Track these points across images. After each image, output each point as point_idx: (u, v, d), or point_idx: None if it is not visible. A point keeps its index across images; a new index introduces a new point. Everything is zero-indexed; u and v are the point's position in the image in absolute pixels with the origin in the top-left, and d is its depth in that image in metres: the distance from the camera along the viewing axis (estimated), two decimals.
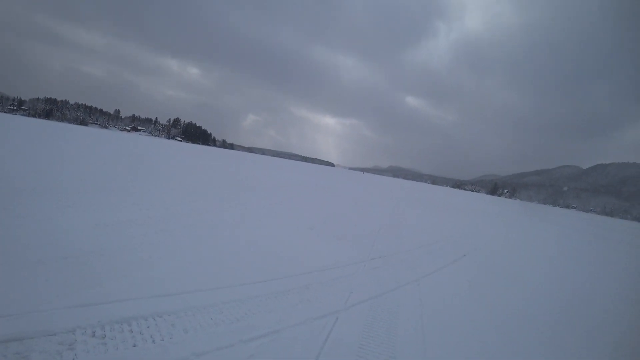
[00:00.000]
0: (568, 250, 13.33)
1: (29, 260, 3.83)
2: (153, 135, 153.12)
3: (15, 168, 9.52)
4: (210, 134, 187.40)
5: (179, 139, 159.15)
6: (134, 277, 3.85)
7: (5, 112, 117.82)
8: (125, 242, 4.93)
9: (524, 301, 5.57)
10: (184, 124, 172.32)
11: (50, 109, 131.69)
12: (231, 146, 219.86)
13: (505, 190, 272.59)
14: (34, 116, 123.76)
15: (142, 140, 63.15)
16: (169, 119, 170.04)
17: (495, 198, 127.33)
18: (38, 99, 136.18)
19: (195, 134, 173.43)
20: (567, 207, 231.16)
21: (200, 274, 4.26)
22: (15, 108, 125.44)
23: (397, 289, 5.02)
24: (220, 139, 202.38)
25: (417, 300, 4.67)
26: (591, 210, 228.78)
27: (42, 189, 7.37)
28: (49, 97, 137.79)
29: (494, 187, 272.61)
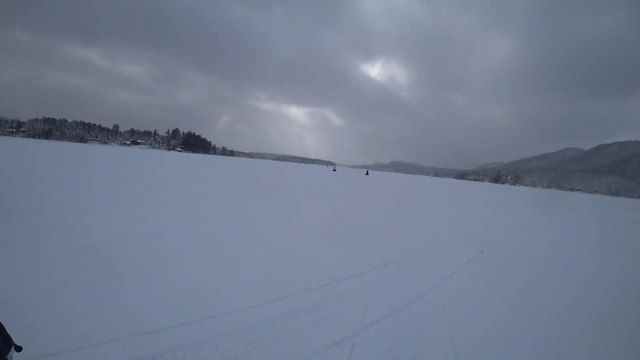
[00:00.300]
0: (590, 237, 12.70)
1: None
2: (153, 147, 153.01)
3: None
4: (210, 142, 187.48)
5: (179, 149, 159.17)
6: (112, 310, 3.31)
7: (5, 135, 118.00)
8: (106, 268, 4.40)
9: (557, 301, 4.99)
10: (182, 134, 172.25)
11: (50, 129, 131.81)
12: (231, 153, 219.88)
13: (509, 177, 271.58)
14: (33, 137, 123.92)
15: (142, 154, 62.75)
16: (168, 130, 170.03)
17: (499, 186, 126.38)
18: (37, 119, 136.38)
19: (195, 144, 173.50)
20: (572, 189, 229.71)
21: (191, 300, 3.70)
22: (14, 130, 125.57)
23: (417, 299, 4.46)
24: (220, 147, 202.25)
25: (442, 312, 4.11)
26: (596, 191, 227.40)
27: (22, 214, 6.86)
28: (47, 117, 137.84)
29: (497, 175, 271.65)
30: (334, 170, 75.85)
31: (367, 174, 72.76)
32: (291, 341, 3.11)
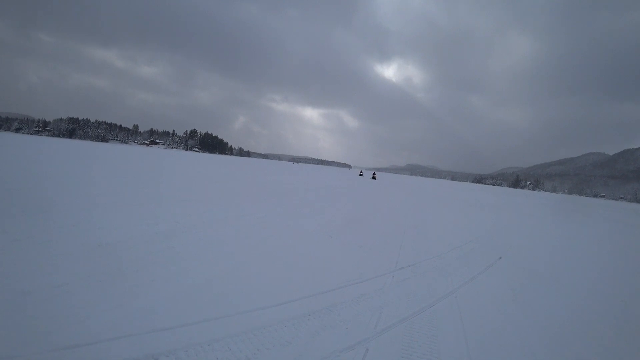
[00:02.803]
0: (615, 247, 12.23)
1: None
2: (171, 147, 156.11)
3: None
4: (227, 143, 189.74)
5: (196, 149, 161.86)
6: (127, 307, 3.36)
7: (31, 133, 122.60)
8: (123, 265, 4.48)
9: (581, 313, 4.80)
10: (200, 134, 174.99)
11: (73, 128, 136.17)
12: (247, 154, 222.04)
13: (528, 182, 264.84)
14: (57, 136, 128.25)
15: (160, 154, 64.08)
16: (186, 131, 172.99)
17: (517, 191, 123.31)
18: (61, 119, 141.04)
19: (211, 144, 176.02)
20: (596, 196, 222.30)
21: (204, 299, 3.72)
22: (40, 129, 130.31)
23: (432, 305, 4.36)
24: (236, 147, 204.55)
25: (458, 319, 4.00)
26: (621, 198, 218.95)
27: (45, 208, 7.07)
28: (71, 116, 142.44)
29: (516, 179, 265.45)
30: (360, 174, 59.73)
31: (373, 177, 52.06)
32: (303, 344, 3.09)
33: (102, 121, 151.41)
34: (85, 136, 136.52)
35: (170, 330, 3.02)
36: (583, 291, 5.82)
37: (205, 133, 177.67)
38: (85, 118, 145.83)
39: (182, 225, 6.99)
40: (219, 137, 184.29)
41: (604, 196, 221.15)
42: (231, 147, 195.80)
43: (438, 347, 3.30)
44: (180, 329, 3.07)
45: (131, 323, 3.08)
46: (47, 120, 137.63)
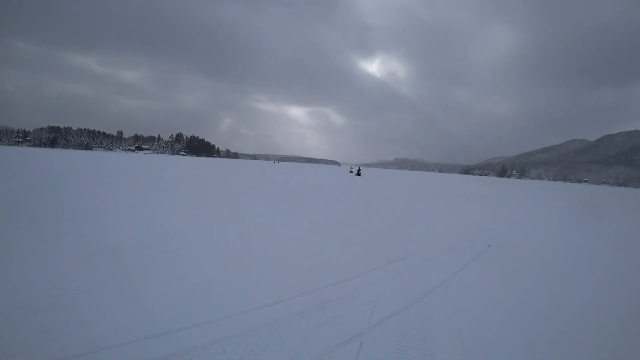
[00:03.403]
0: (603, 230, 12.56)
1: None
2: (157, 152, 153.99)
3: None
4: (214, 145, 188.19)
5: (183, 153, 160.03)
6: (122, 314, 3.32)
7: (11, 144, 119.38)
8: (115, 272, 4.42)
9: (571, 298, 4.92)
10: (186, 138, 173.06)
11: (55, 137, 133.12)
12: (235, 155, 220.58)
13: (514, 171, 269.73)
14: (39, 146, 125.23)
15: (147, 159, 63.15)
16: (172, 135, 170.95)
17: (504, 180, 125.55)
18: (42, 128, 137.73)
19: (198, 147, 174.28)
20: (579, 181, 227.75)
21: (198, 303, 3.70)
22: (20, 140, 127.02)
23: (425, 296, 4.43)
24: (224, 149, 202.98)
25: (451, 309, 4.07)
26: (604, 182, 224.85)
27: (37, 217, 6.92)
28: (52, 125, 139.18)
29: (502, 169, 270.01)
30: (351, 171, 54.57)
31: (357, 173, 48.07)
32: (298, 342, 3.10)
33: (85, 129, 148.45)
34: (67, 145, 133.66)
35: (166, 336, 3.00)
36: (565, 274, 5.98)
37: (191, 136, 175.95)
38: (67, 126, 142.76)
39: (173, 229, 6.92)
40: (206, 140, 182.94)
41: (587, 181, 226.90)
42: (218, 149, 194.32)
43: (432, 337, 3.36)
44: (175, 333, 3.05)
45: (126, 330, 3.05)
46: (26, 130, 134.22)
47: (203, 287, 4.15)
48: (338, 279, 4.79)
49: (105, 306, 3.49)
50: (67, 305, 3.45)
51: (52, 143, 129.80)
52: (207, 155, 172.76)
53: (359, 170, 51.28)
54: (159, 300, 3.70)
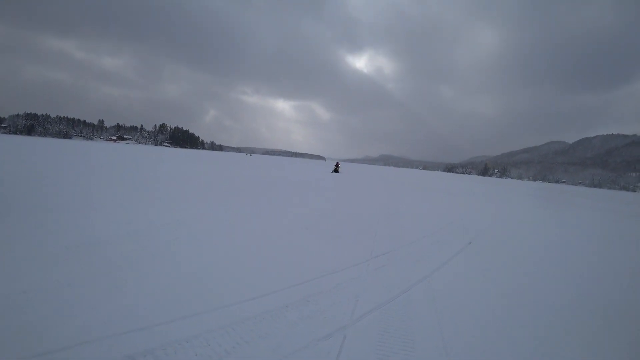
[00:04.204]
0: (578, 227, 13.02)
1: None
2: (139, 143, 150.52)
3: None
4: (198, 137, 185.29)
5: (166, 144, 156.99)
6: (103, 308, 3.27)
7: None
8: (95, 266, 4.34)
9: (550, 292, 5.11)
10: (170, 129, 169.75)
11: (32, 125, 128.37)
12: (220, 148, 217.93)
13: (496, 170, 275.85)
14: (14, 133, 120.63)
15: (129, 150, 61.68)
16: (155, 125, 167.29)
17: (486, 179, 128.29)
18: (18, 115, 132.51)
19: (182, 139, 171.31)
20: (557, 182, 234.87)
21: (182, 297, 3.68)
22: None
23: (407, 290, 4.52)
24: (208, 142, 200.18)
25: (432, 302, 4.17)
26: (580, 183, 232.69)
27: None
28: (29, 112, 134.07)
29: (484, 168, 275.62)
30: (335, 170, 37.57)
31: (335, 169, 37.45)
32: (282, 335, 3.13)
33: (64, 117, 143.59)
34: (45, 133, 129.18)
35: (149, 329, 2.97)
36: (546, 267, 6.20)
37: (175, 127, 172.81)
38: (45, 113, 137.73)
39: (156, 223, 6.82)
40: (190, 132, 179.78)
41: (564, 182, 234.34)
42: (203, 141, 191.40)
43: (412, 330, 3.44)
44: (158, 327, 3.02)
45: (109, 323, 3.00)
46: (1, 116, 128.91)
47: (186, 281, 4.12)
48: (322, 273, 4.84)
49: (88, 300, 3.42)
50: (48, 299, 3.36)
51: (29, 131, 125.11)
52: (191, 147, 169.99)
53: (336, 166, 39.09)
54: (142, 294, 3.66)
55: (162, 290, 3.81)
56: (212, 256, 5.13)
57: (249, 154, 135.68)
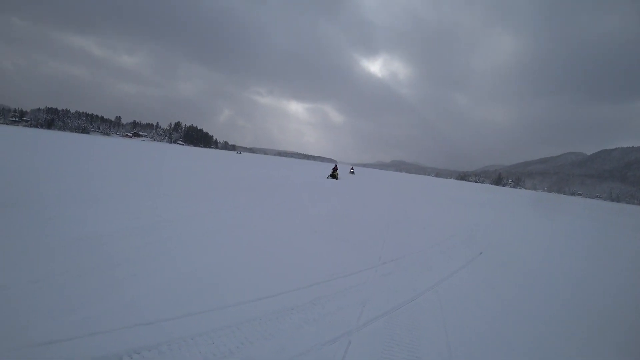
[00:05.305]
0: (593, 243, 12.68)
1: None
2: (155, 140, 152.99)
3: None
4: (212, 136, 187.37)
5: (180, 142, 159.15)
6: (108, 302, 3.31)
7: (7, 124, 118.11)
8: (103, 260, 4.40)
9: (553, 304, 4.98)
10: (184, 127, 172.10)
11: (52, 119, 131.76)
12: (233, 147, 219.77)
13: (510, 180, 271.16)
14: (35, 126, 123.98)
15: (144, 146, 62.72)
16: (170, 123, 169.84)
17: (499, 188, 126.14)
18: (39, 109, 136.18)
19: (196, 137, 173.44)
20: (573, 194, 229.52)
21: (187, 294, 3.70)
22: (17, 119, 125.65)
23: (414, 299, 4.46)
24: (221, 141, 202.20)
25: (439, 313, 4.11)
26: (597, 196, 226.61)
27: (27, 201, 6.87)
28: (50, 107, 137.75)
29: (498, 177, 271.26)
30: (332, 175, 30.86)
31: (332, 175, 30.58)
32: (287, 337, 3.12)
33: (83, 112, 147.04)
34: (65, 127, 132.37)
35: (154, 325, 3.00)
36: (555, 283, 6.04)
37: (189, 126, 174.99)
38: (65, 108, 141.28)
39: (164, 219, 6.90)
40: (204, 130, 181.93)
41: (581, 194, 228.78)
42: (216, 140, 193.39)
43: (419, 339, 3.39)
44: (163, 323, 3.05)
45: (113, 317, 3.05)
46: (24, 110, 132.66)
47: (193, 278, 4.15)
48: (330, 277, 4.81)
49: (91, 292, 3.47)
50: (52, 290, 3.42)
51: (49, 125, 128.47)
52: (205, 146, 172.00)
53: (334, 169, 33.06)
54: (147, 289, 3.70)
55: (169, 286, 3.84)
56: (219, 255, 5.16)
57: (239, 152, 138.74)
